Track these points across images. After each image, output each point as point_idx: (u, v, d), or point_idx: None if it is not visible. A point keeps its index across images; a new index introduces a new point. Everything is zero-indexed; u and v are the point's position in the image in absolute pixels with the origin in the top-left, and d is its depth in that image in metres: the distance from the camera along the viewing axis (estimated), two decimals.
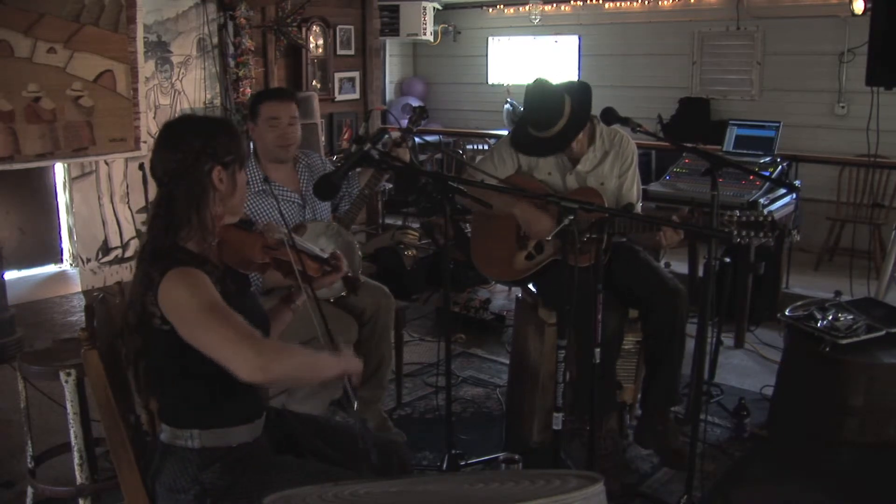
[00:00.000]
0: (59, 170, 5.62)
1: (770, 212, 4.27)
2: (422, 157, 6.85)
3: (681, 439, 3.03)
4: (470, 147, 7.30)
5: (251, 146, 3.15)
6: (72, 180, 5.59)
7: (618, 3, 7.48)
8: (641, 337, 3.12)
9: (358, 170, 3.17)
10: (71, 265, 5.83)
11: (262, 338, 1.67)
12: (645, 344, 3.12)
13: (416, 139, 6.26)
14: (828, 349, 3.22)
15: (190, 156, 1.77)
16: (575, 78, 7.80)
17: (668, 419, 3.09)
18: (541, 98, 2.98)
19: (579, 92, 3.01)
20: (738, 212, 2.56)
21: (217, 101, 6.27)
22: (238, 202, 1.88)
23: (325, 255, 2.09)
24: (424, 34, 8.02)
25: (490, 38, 8.60)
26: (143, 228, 1.90)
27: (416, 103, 8.51)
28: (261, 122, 3.11)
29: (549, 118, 2.95)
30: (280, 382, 1.70)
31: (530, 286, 3.25)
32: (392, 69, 8.94)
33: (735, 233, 2.48)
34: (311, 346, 1.80)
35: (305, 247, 2.09)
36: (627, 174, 3.10)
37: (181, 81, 6.05)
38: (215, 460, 1.79)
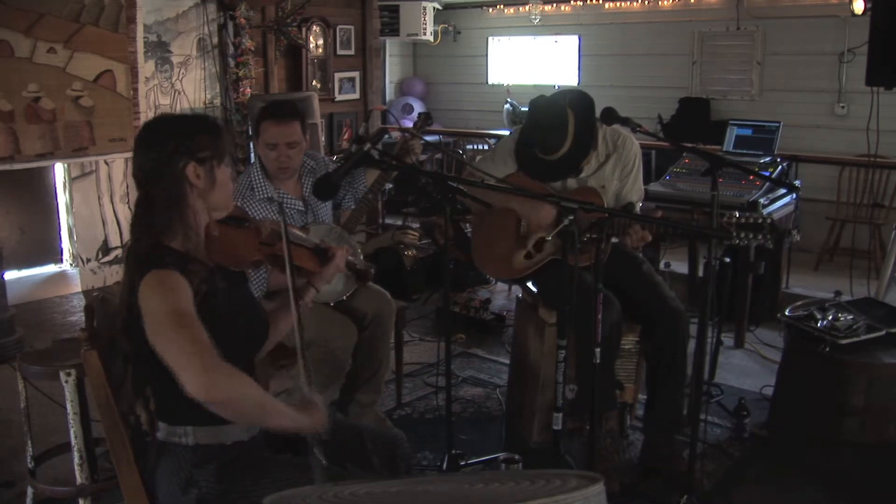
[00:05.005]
0: (59, 170, 5.62)
1: (769, 213, 4.27)
2: (422, 157, 6.84)
3: (685, 461, 2.95)
4: (470, 147, 7.29)
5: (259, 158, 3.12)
6: (72, 180, 5.60)
7: (618, 3, 7.48)
8: (640, 349, 3.11)
9: (363, 169, 3.16)
10: (71, 265, 5.83)
11: (218, 358, 1.63)
12: (645, 365, 3.12)
13: None
14: (828, 349, 3.22)
15: (164, 154, 1.76)
16: (575, 78, 7.81)
17: (674, 441, 3.08)
18: (544, 117, 2.92)
19: (581, 107, 2.94)
20: (737, 213, 2.55)
21: (217, 101, 6.27)
22: (219, 198, 1.85)
23: (324, 245, 2.07)
24: (424, 34, 8.01)
25: (490, 38, 8.59)
26: None
27: (416, 104, 8.51)
28: (260, 142, 3.04)
29: (555, 140, 2.90)
30: (226, 412, 1.65)
31: (529, 285, 3.25)
32: (392, 69, 8.93)
33: (734, 234, 2.47)
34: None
35: (302, 239, 2.06)
36: (629, 177, 3.08)
37: (181, 81, 6.05)
38: (210, 459, 1.79)
